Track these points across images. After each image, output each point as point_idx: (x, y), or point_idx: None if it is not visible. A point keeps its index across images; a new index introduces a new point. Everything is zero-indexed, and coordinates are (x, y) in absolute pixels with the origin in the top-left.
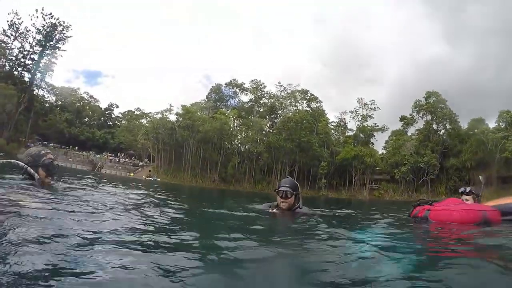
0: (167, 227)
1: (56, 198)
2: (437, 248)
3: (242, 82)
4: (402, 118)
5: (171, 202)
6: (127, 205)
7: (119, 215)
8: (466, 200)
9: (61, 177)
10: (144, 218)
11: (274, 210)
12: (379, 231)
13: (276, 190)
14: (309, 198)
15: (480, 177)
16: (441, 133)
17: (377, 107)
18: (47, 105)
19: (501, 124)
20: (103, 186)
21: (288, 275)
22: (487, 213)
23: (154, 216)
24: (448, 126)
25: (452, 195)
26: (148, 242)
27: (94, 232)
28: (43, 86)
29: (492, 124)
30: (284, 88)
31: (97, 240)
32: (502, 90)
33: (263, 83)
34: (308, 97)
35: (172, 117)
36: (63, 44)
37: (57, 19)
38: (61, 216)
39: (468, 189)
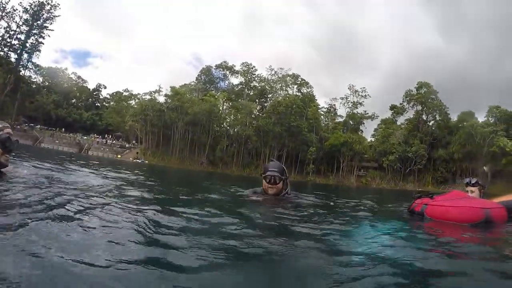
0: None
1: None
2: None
3: (233, 65)
4: (392, 107)
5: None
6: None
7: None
8: (472, 192)
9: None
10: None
11: (259, 198)
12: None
13: (263, 175)
14: (296, 183)
15: (484, 168)
16: (431, 124)
17: (368, 94)
18: (34, 86)
19: (490, 118)
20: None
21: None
22: (491, 211)
23: (113, 204)
24: (437, 117)
25: (438, 186)
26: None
27: None
28: (30, 67)
29: (481, 118)
30: (275, 72)
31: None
32: (494, 85)
33: (254, 66)
34: (299, 82)
35: (161, 99)
36: (51, 23)
37: None
38: None
39: (474, 180)
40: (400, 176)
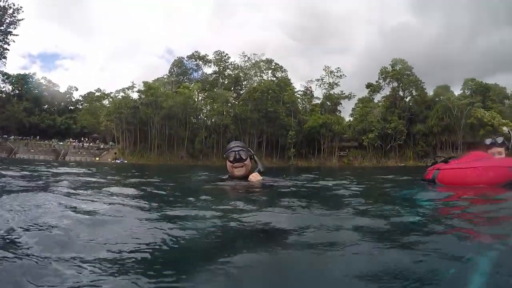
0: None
1: None
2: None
3: (205, 54)
4: (369, 85)
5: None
6: None
7: None
8: (499, 154)
9: None
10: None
11: (227, 184)
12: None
13: (225, 154)
14: (279, 168)
15: (506, 128)
16: (408, 99)
17: (343, 74)
18: (3, 95)
19: (466, 91)
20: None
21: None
22: None
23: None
24: (414, 93)
25: (420, 160)
26: None
27: None
28: None
29: (457, 92)
30: (248, 58)
31: None
32: (469, 61)
33: (226, 54)
34: (273, 67)
35: (135, 95)
36: (15, 28)
37: (6, 1)
38: None
39: (500, 140)
40: (381, 153)
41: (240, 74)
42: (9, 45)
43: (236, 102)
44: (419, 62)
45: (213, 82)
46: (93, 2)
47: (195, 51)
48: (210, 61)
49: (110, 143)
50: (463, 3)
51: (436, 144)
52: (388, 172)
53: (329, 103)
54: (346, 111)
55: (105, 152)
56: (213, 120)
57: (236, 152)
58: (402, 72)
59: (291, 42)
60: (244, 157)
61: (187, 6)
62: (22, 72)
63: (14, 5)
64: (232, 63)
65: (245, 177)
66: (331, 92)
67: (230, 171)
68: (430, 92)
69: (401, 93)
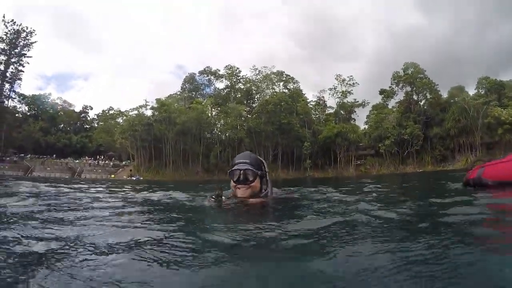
0: None
1: None
2: None
3: (217, 69)
4: (382, 91)
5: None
6: None
7: None
8: None
9: None
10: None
11: (223, 202)
12: None
13: (229, 171)
14: (295, 180)
15: None
16: (422, 103)
17: (356, 82)
18: (20, 116)
19: (480, 90)
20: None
21: None
22: None
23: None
24: (428, 96)
25: (438, 164)
26: None
27: None
28: (13, 97)
29: (471, 91)
30: (259, 71)
31: None
32: (480, 57)
33: (237, 68)
34: (284, 78)
35: (148, 113)
36: (29, 50)
37: (20, 25)
38: None
39: None
40: (399, 159)
41: (252, 87)
42: (23, 67)
43: (249, 116)
44: (430, 63)
45: (225, 97)
46: (103, 21)
47: (207, 67)
48: (221, 76)
49: (127, 160)
50: None
51: (454, 147)
52: (411, 179)
53: (343, 112)
54: (361, 119)
55: (120, 169)
56: (227, 134)
57: (241, 172)
58: (414, 75)
59: (299, 51)
60: (251, 178)
61: (194, 22)
62: (37, 93)
63: (27, 28)
64: (244, 76)
65: (250, 197)
66: (345, 100)
67: (233, 191)
68: (444, 94)
69: (415, 97)
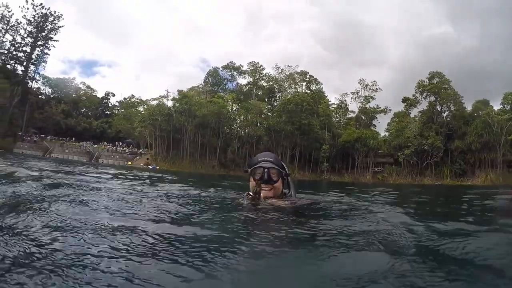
0: None
1: None
2: None
3: (240, 65)
4: (405, 99)
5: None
6: None
7: None
8: None
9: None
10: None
11: (245, 201)
12: None
13: (251, 168)
14: (311, 182)
15: None
16: (445, 114)
17: (379, 88)
18: (43, 97)
19: (506, 106)
20: None
21: None
22: None
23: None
24: (452, 108)
25: (457, 179)
26: None
27: None
28: (38, 79)
29: (496, 106)
30: (282, 70)
31: None
32: (507, 71)
33: (261, 65)
34: (307, 79)
35: (169, 103)
36: (55, 34)
37: (48, 9)
38: None
39: None
40: (417, 170)
41: (274, 85)
42: (49, 50)
43: (270, 114)
44: (455, 74)
45: (247, 93)
46: (129, 11)
47: (230, 62)
48: (244, 72)
49: (142, 148)
50: (501, 11)
51: (474, 162)
52: (431, 191)
53: (364, 117)
54: (382, 125)
55: (137, 157)
56: (246, 130)
57: (265, 170)
58: (439, 85)
59: (324, 53)
60: (275, 178)
61: (222, 17)
62: (62, 77)
63: (55, 13)
64: (267, 74)
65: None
66: (367, 106)
67: (255, 191)
68: (468, 106)
69: (438, 107)
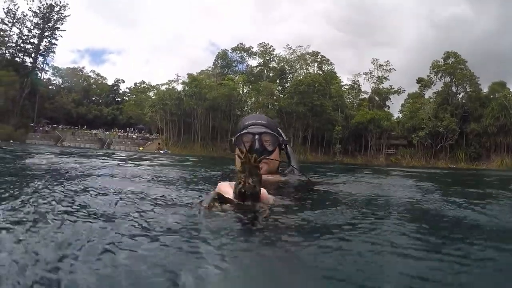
0: None
1: None
2: None
3: (250, 46)
4: (419, 80)
5: None
6: None
7: None
8: None
9: None
10: None
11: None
12: None
13: (236, 138)
14: (324, 163)
15: None
16: (461, 96)
17: (393, 68)
18: (53, 87)
19: None
20: None
21: None
22: None
23: None
24: (468, 89)
25: (472, 162)
26: None
27: None
28: (47, 69)
29: None
30: (294, 50)
31: None
32: None
33: (271, 46)
34: (319, 60)
35: (179, 87)
36: (62, 24)
37: None
38: None
39: None
40: (431, 153)
41: (286, 66)
42: (57, 40)
43: (281, 95)
44: (472, 56)
45: (257, 75)
46: None
47: (240, 43)
48: (254, 54)
49: (156, 134)
50: None
51: (490, 146)
52: (450, 175)
53: (377, 98)
54: (395, 107)
55: (149, 142)
56: (257, 112)
57: (257, 137)
58: (455, 66)
59: (336, 33)
60: (270, 148)
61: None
62: (71, 66)
63: (60, 2)
64: (277, 55)
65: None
66: (380, 86)
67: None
68: (484, 88)
69: (454, 88)
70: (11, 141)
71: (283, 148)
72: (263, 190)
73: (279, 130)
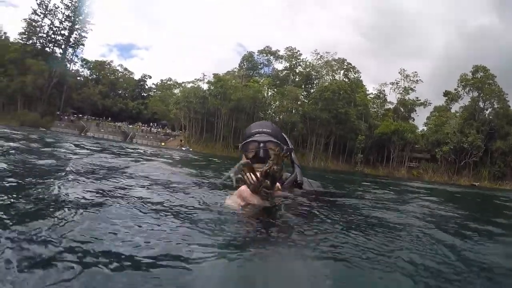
0: None
1: None
2: None
3: (277, 50)
4: (446, 93)
5: None
6: None
7: None
8: None
9: None
10: None
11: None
12: None
13: (242, 145)
14: (344, 172)
15: None
16: (488, 112)
17: (420, 79)
18: (81, 79)
19: None
20: None
21: None
22: None
23: None
24: (495, 105)
25: (495, 181)
26: None
27: None
28: (76, 61)
29: None
30: (321, 56)
31: None
32: None
33: (298, 51)
34: (345, 67)
35: (204, 86)
36: (92, 17)
37: None
38: None
39: None
40: (454, 169)
41: (312, 72)
42: (87, 33)
43: (306, 101)
44: (500, 69)
45: (283, 79)
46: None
47: (267, 46)
48: (281, 57)
49: (179, 130)
50: None
51: None
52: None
53: (402, 109)
54: (420, 119)
55: (171, 138)
56: (281, 116)
57: (262, 145)
58: (483, 80)
59: (363, 41)
60: (276, 153)
61: (260, 3)
62: (100, 59)
63: None
64: (304, 60)
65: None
66: (406, 97)
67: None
68: None
69: (481, 104)
70: (41, 128)
71: (288, 156)
72: (277, 184)
73: (285, 137)
